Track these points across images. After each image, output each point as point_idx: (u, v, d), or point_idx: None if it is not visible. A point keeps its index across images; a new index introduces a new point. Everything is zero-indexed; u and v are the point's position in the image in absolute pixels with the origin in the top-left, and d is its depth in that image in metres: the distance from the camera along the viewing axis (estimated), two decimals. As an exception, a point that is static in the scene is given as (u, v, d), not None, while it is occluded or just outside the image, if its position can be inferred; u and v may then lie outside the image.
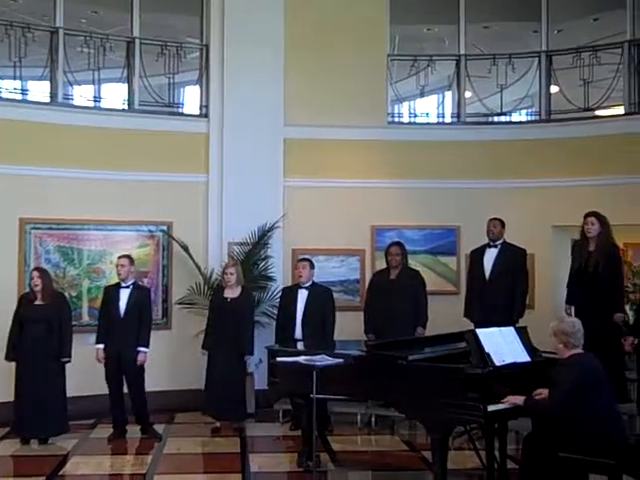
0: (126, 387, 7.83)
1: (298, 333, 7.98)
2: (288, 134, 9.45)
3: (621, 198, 8.73)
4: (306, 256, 8.47)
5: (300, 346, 7.40)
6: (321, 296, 8.12)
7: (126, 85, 9.45)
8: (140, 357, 7.74)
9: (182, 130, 9.37)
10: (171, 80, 9.58)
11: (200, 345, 8.17)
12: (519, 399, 5.16)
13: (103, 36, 9.26)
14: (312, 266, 8.17)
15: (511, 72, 9.83)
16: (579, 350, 5.15)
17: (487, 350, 5.37)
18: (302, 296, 8.08)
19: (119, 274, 7.85)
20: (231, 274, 8.07)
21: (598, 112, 9.59)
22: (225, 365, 7.92)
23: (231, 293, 8.09)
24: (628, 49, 9.28)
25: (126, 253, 8.20)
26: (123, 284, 7.84)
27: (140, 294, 7.92)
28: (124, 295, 7.79)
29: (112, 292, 7.87)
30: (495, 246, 8.35)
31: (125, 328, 7.72)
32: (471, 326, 7.50)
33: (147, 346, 7.78)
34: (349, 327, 8.29)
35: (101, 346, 7.75)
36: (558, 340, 5.16)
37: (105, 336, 7.76)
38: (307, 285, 8.12)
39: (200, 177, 9.38)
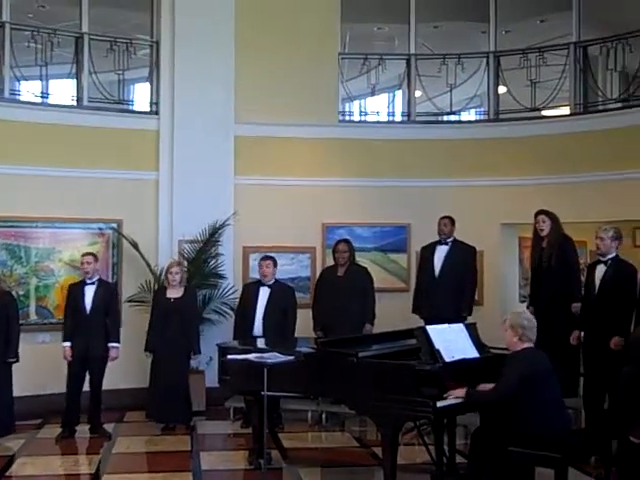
0: (87, 385, 7.77)
1: (258, 330, 7.96)
2: (239, 132, 9.43)
3: (567, 197, 8.89)
4: (269, 254, 8.43)
5: (260, 343, 7.41)
6: (283, 294, 8.11)
7: (75, 81, 9.33)
8: (113, 352, 7.77)
9: (132, 127, 9.29)
10: (121, 77, 9.49)
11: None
12: (461, 392, 5.22)
13: (51, 31, 9.12)
14: (275, 264, 8.16)
15: (460, 72, 9.95)
16: (531, 345, 5.24)
17: (437, 346, 5.42)
18: (264, 293, 8.05)
19: (86, 272, 7.80)
20: (176, 273, 8.05)
21: (545, 112, 9.75)
22: (170, 367, 7.91)
23: (175, 293, 8.07)
24: (574, 51, 9.45)
25: (90, 250, 8.21)
26: (88, 281, 7.81)
27: (106, 290, 7.93)
28: (89, 292, 7.76)
29: (77, 290, 7.82)
30: (446, 243, 8.44)
31: (92, 324, 7.71)
32: (421, 323, 7.58)
33: (119, 341, 7.81)
34: (300, 324, 8.28)
35: (68, 344, 7.69)
36: (514, 333, 5.22)
37: (72, 334, 7.71)
38: (269, 283, 8.10)
39: (150, 175, 9.32)
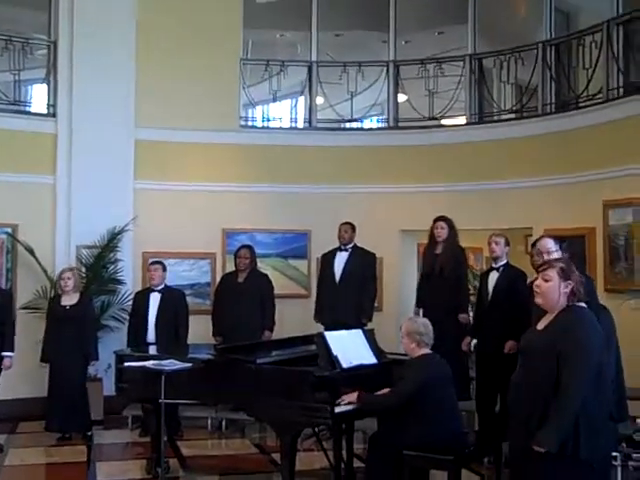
0: None
1: (151, 337, 7.90)
2: (139, 135, 9.31)
3: (463, 204, 9.09)
4: (157, 259, 8.38)
5: (153, 350, 7.34)
6: (174, 299, 8.05)
7: (-33, 81, 9.06)
8: (6, 362, 7.51)
9: (28, 129, 9.03)
10: (16, 77, 9.23)
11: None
12: (353, 397, 5.28)
13: (-58, 29, 8.83)
14: (164, 269, 8.09)
15: (361, 80, 10.08)
16: (428, 350, 5.34)
17: (335, 353, 5.48)
18: (154, 299, 7.99)
19: None
20: (68, 279, 7.88)
21: (443, 121, 9.98)
22: (67, 375, 7.74)
23: (69, 300, 7.90)
24: (469, 62, 9.70)
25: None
26: None
27: (1, 297, 7.68)
28: None
29: None
30: (346, 250, 8.53)
31: None
32: (321, 329, 7.65)
33: (12, 350, 7.56)
34: (200, 330, 8.28)
35: None
36: (411, 340, 5.31)
37: None
38: (159, 288, 8.03)
39: (47, 178, 9.10)
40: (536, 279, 4.26)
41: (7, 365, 7.54)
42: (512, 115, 9.62)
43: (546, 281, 4.12)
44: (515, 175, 9.04)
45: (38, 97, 9.76)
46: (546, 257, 5.64)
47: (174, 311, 7.96)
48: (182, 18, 9.55)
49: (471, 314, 8.02)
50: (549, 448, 3.83)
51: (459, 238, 8.03)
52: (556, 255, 5.75)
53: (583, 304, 4.10)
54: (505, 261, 7.17)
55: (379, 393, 5.40)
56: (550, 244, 5.95)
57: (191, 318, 8.12)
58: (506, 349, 6.78)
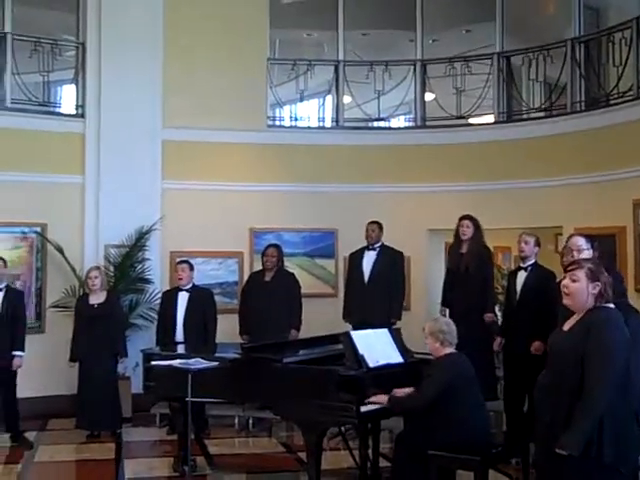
0: None
1: (179, 336, 7.93)
2: (167, 136, 9.35)
3: (491, 203, 9.05)
4: (185, 258, 8.41)
5: (180, 349, 7.37)
6: (202, 298, 8.08)
7: (-3, 82, 9.15)
8: (16, 361, 7.54)
9: (57, 130, 9.11)
10: (46, 78, 9.32)
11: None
12: (383, 398, 5.28)
13: (-28, 31, 8.93)
14: (191, 268, 8.12)
15: (388, 79, 10.05)
16: (453, 349, 5.31)
17: (361, 352, 5.46)
18: (182, 299, 8.02)
19: None
20: (95, 277, 7.94)
21: (470, 120, 9.92)
22: (97, 373, 7.80)
23: (96, 299, 7.96)
24: (497, 60, 9.64)
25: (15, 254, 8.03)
26: None
27: (14, 297, 7.71)
28: None
29: None
30: (374, 249, 8.50)
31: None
32: (348, 328, 7.63)
33: (23, 350, 7.59)
34: (227, 329, 8.30)
35: None
36: (435, 339, 5.29)
37: None
38: (187, 287, 8.06)
39: (76, 178, 9.17)
40: (564, 279, 4.19)
41: (17, 364, 7.58)
42: (541, 113, 9.52)
43: (574, 281, 4.05)
44: (544, 174, 8.96)
45: (67, 98, 9.84)
46: (576, 255, 5.58)
47: (202, 310, 7.99)
48: (209, 17, 9.56)
49: (499, 313, 7.98)
50: (572, 451, 3.78)
51: (486, 237, 7.98)
52: (586, 253, 5.68)
53: (611, 305, 4.04)
54: (533, 261, 7.09)
55: (405, 392, 5.38)
56: (581, 242, 5.88)
57: (219, 317, 8.15)
58: (532, 349, 6.72)
